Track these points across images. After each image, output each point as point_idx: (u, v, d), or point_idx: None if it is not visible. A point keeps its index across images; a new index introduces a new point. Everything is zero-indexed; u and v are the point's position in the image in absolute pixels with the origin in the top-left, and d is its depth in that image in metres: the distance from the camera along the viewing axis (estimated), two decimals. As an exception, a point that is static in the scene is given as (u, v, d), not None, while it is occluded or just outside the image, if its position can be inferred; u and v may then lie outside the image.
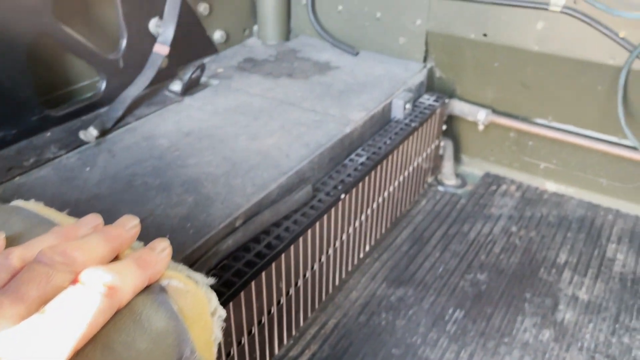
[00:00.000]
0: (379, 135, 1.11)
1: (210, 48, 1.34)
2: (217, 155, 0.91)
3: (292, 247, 0.81)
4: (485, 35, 1.22)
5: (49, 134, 0.97)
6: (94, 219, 0.45)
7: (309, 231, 0.85)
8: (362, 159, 1.02)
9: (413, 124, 1.15)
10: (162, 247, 0.44)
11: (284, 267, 0.81)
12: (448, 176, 1.44)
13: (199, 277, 0.46)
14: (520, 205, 1.36)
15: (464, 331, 1.00)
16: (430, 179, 1.40)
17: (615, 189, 1.32)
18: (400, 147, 1.11)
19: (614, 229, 1.28)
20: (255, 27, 1.48)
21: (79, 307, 0.34)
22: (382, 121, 1.14)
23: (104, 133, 0.96)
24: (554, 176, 1.39)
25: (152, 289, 0.41)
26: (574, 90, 1.21)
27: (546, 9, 1.11)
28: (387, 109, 1.16)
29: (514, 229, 1.27)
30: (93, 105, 1.04)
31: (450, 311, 1.04)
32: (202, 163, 0.88)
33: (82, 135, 0.92)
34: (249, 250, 0.77)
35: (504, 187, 1.43)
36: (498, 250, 1.20)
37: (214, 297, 0.46)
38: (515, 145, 1.40)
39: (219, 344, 0.72)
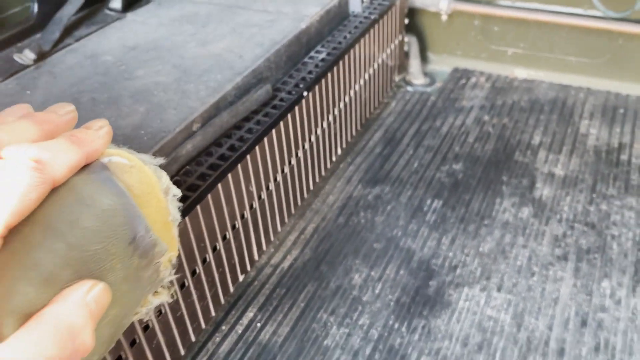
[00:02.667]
0: (338, 31, 1.05)
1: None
2: (165, 64, 0.85)
3: (257, 148, 0.78)
4: None
5: (-19, 64, 0.89)
6: (21, 107, 0.40)
7: (273, 131, 0.81)
8: (322, 55, 0.97)
9: (372, 17, 1.09)
10: (100, 125, 0.39)
11: (251, 169, 0.78)
12: (416, 75, 1.40)
13: (145, 157, 0.42)
14: (491, 95, 1.33)
15: (444, 219, 0.99)
16: (397, 78, 1.36)
17: (584, 66, 1.30)
18: (362, 41, 1.06)
19: (585, 106, 1.27)
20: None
21: (4, 181, 0.31)
22: (339, 16, 1.08)
23: (42, 57, 0.89)
24: (523, 61, 1.36)
25: (92, 166, 0.37)
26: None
27: None
28: (344, 3, 1.09)
29: (486, 118, 1.25)
30: (27, 31, 0.96)
31: (429, 202, 1.03)
32: (150, 73, 0.83)
33: (17, 57, 0.85)
34: (211, 154, 0.73)
35: (473, 79, 1.40)
36: (472, 140, 1.19)
37: (164, 175, 0.43)
38: (480, 34, 1.36)
39: (194, 249, 0.70)
